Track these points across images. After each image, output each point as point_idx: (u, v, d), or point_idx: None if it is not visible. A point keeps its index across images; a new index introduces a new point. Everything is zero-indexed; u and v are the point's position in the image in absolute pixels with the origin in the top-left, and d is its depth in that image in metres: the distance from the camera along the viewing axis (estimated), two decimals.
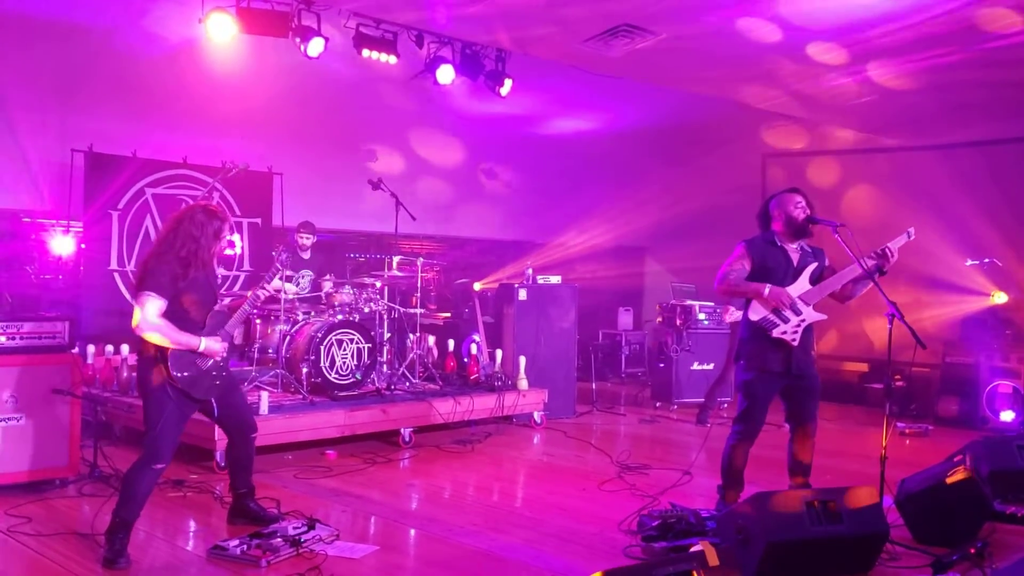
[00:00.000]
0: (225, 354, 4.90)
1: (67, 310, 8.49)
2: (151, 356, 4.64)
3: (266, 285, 5.22)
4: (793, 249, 5.37)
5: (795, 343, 5.22)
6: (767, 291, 5.21)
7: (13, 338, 5.84)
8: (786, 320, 5.22)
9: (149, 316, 4.53)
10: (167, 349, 4.60)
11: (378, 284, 8.54)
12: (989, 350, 9.32)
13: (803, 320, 5.25)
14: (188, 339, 4.65)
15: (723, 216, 11.86)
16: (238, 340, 8.06)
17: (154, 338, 4.57)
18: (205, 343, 4.71)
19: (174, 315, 4.64)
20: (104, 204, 9.03)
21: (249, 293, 5.23)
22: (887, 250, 5.17)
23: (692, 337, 10.11)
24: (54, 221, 9.10)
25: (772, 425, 6.16)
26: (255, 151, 9.63)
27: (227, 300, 5.31)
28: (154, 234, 9.16)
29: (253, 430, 5.23)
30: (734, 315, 9.11)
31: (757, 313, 5.27)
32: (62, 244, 9.04)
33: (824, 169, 11.37)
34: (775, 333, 5.21)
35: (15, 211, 8.90)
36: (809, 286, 5.30)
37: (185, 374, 4.66)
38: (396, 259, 8.80)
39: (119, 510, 4.57)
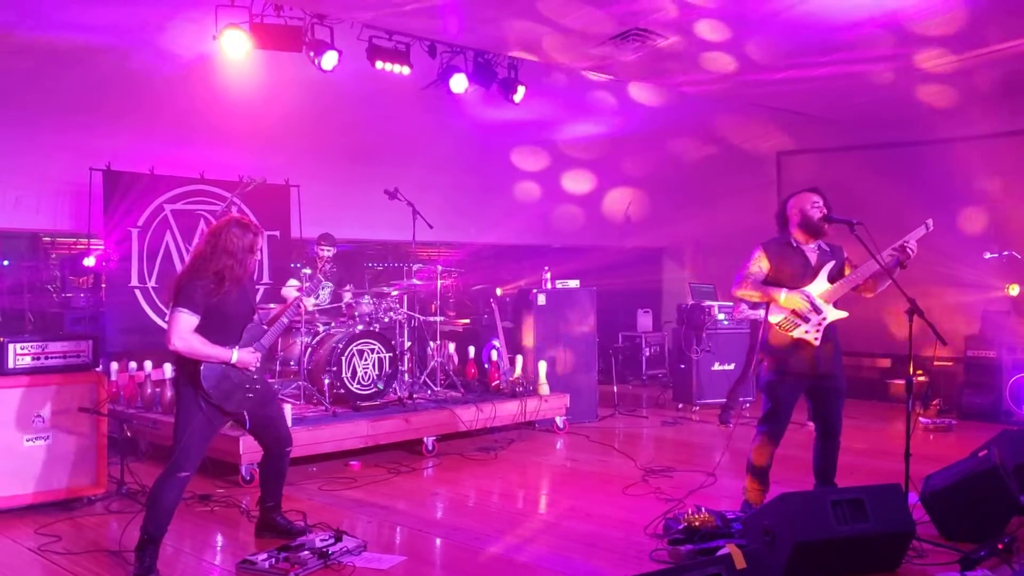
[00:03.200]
0: (259, 366, 4.94)
1: (89, 328, 8.60)
2: (185, 369, 4.71)
3: (307, 297, 5.36)
4: (811, 249, 5.36)
5: (817, 342, 5.21)
6: (783, 298, 5.21)
7: (38, 358, 5.90)
8: (807, 319, 5.22)
9: (181, 331, 4.57)
10: (200, 363, 4.64)
11: (395, 293, 8.55)
12: (1011, 343, 9.26)
13: (824, 319, 5.23)
14: (220, 352, 4.69)
15: (739, 216, 11.86)
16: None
17: (186, 352, 4.62)
18: (238, 355, 4.76)
19: (209, 329, 4.68)
20: (124, 221, 9.10)
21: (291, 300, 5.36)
22: (906, 245, 5.16)
23: (712, 337, 10.08)
24: (74, 240, 9.17)
25: (796, 424, 6.15)
26: (272, 164, 9.67)
27: (273, 311, 5.43)
28: (175, 250, 9.25)
29: (288, 444, 5.27)
30: (745, 312, 9.09)
31: (778, 314, 5.27)
32: (83, 263, 9.09)
33: (840, 166, 11.30)
34: (796, 333, 5.20)
35: (35, 231, 8.98)
36: (828, 285, 5.29)
37: (217, 388, 4.70)
38: (415, 267, 8.82)
39: (147, 524, 4.60)
